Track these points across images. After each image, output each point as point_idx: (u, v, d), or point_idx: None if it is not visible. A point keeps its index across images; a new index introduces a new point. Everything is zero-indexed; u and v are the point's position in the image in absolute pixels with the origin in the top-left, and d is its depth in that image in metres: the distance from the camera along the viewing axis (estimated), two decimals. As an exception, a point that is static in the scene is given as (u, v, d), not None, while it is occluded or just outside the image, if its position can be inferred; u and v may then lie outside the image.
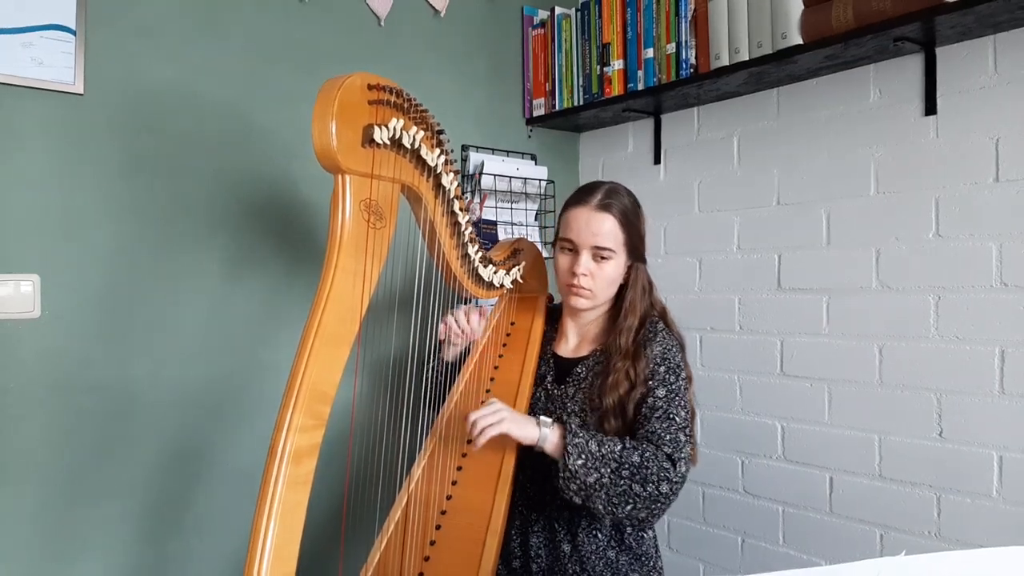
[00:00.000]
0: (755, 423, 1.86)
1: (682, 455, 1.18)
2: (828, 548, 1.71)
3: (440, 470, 1.25)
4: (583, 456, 1.13)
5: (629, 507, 1.14)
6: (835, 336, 1.70)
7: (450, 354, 1.40)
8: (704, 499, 1.98)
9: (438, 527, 1.18)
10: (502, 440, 1.27)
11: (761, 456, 1.85)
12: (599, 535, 1.26)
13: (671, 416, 1.21)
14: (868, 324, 1.64)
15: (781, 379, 1.81)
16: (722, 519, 1.93)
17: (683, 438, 1.20)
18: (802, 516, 1.76)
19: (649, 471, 1.14)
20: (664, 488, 1.15)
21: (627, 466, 1.13)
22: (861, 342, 1.65)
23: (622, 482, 1.13)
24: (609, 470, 1.13)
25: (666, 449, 1.17)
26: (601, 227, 1.27)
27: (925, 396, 1.55)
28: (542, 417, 1.18)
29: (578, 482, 1.13)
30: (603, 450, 1.14)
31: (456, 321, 1.35)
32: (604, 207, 1.27)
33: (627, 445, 1.16)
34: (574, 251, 1.30)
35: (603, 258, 1.28)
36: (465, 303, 1.39)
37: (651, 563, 1.30)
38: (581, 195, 1.31)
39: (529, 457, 1.36)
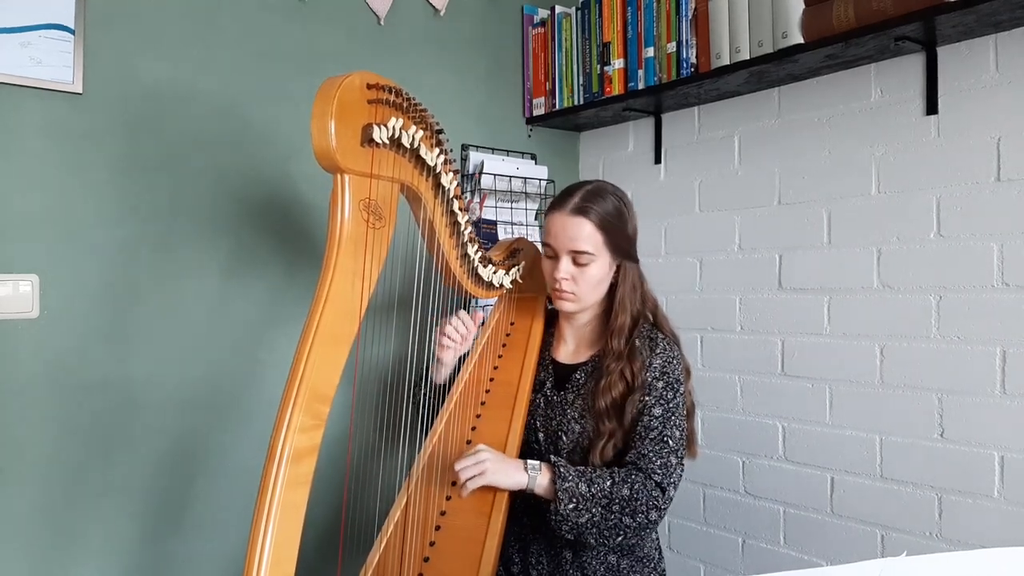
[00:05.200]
0: (756, 423, 1.86)
1: (671, 480, 1.19)
2: (829, 549, 1.70)
3: (439, 471, 1.25)
4: (574, 500, 1.14)
5: (620, 537, 1.16)
6: (836, 336, 1.70)
7: (441, 376, 1.38)
8: (705, 500, 1.97)
9: (437, 528, 1.18)
10: (501, 441, 1.27)
11: (762, 456, 1.84)
12: None
13: (664, 439, 1.20)
14: (869, 324, 1.64)
15: (782, 379, 1.80)
16: (723, 520, 1.93)
17: (674, 461, 1.20)
18: (803, 517, 1.75)
19: (639, 503, 1.15)
20: (653, 516, 1.16)
21: (617, 501, 1.14)
22: (862, 342, 1.65)
23: (612, 517, 1.14)
24: (600, 508, 1.14)
25: (656, 478, 1.18)
26: (578, 231, 1.25)
27: (926, 396, 1.55)
28: (529, 461, 1.18)
29: (569, 524, 1.14)
30: (593, 490, 1.15)
31: (456, 328, 1.33)
32: (580, 211, 1.26)
33: (616, 479, 1.16)
34: (555, 256, 1.29)
35: (583, 261, 1.26)
36: (465, 303, 1.39)
37: (652, 565, 1.29)
38: (560, 199, 1.30)
39: None
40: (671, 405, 1.23)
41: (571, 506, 1.13)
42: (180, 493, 1.53)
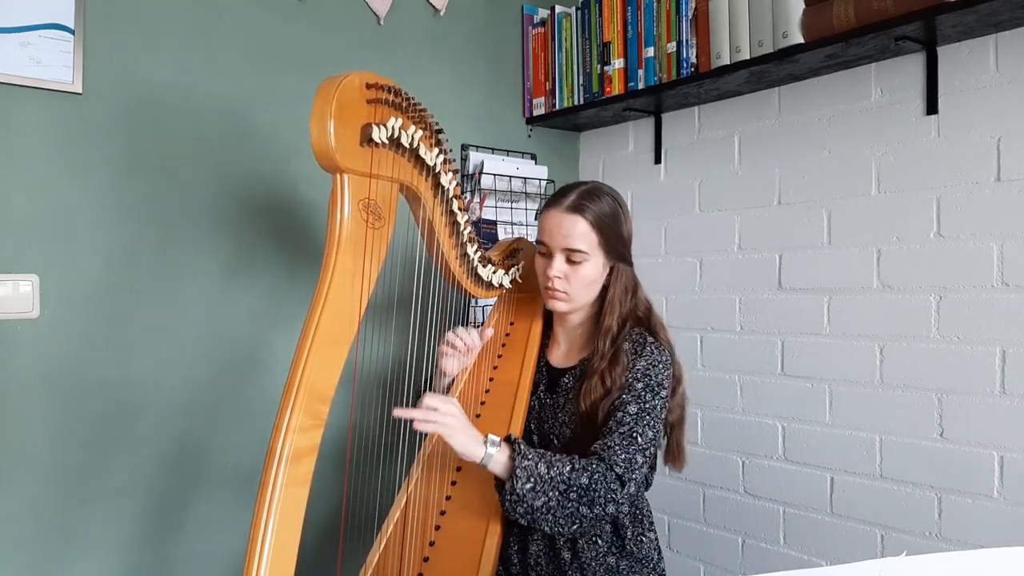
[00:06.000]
0: (756, 423, 1.86)
1: (633, 476, 1.15)
2: (829, 549, 1.70)
3: (439, 471, 1.25)
4: (532, 479, 1.10)
5: (575, 527, 1.12)
6: (836, 336, 1.70)
7: (442, 385, 1.36)
8: (704, 499, 1.97)
9: (437, 528, 1.18)
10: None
11: (762, 456, 1.84)
12: (599, 542, 1.25)
13: (634, 435, 1.17)
14: (869, 324, 1.64)
15: (782, 379, 1.80)
16: (723, 520, 1.93)
17: (639, 460, 1.16)
18: (803, 516, 1.75)
19: (597, 493, 1.11)
20: (610, 509, 1.13)
21: (575, 488, 1.11)
22: (862, 342, 1.65)
23: (570, 504, 1.10)
24: (557, 492, 1.10)
25: (617, 470, 1.14)
26: (572, 229, 1.25)
27: (926, 396, 1.55)
28: (491, 436, 1.14)
29: (525, 505, 1.10)
30: (552, 472, 1.11)
31: (460, 337, 1.30)
32: (575, 209, 1.25)
33: (576, 466, 1.13)
34: (548, 254, 1.28)
35: (576, 260, 1.25)
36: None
37: (652, 565, 1.29)
38: (556, 197, 1.30)
39: None
40: (647, 406, 1.20)
41: (528, 485, 1.09)
42: (180, 493, 1.53)
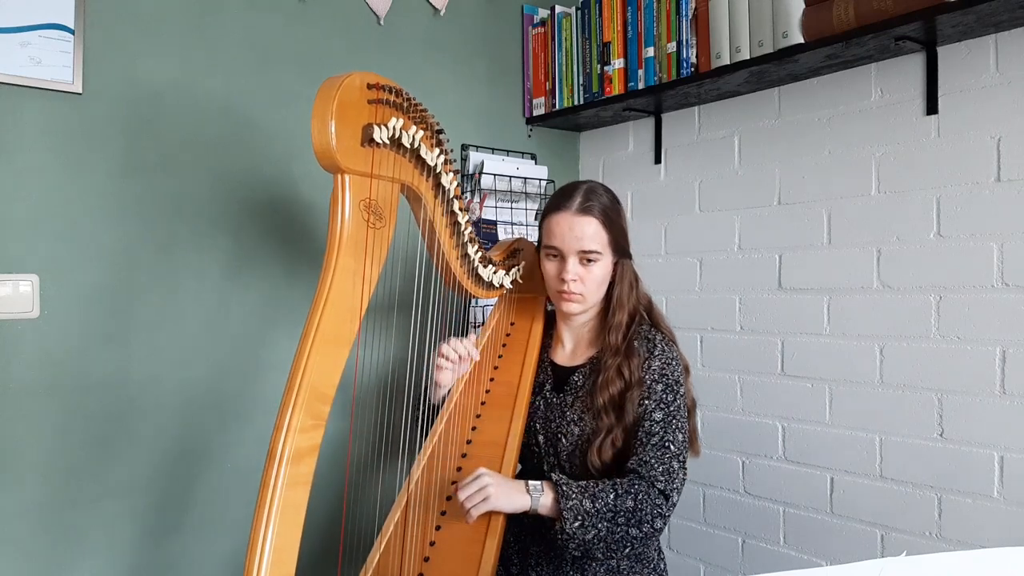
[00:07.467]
0: (756, 423, 1.86)
1: (674, 486, 1.17)
2: (829, 548, 1.70)
3: (439, 471, 1.25)
4: (579, 518, 1.11)
5: (627, 549, 1.15)
6: (836, 336, 1.70)
7: (439, 395, 1.35)
8: (704, 499, 1.97)
9: (437, 528, 1.18)
10: (501, 441, 1.27)
11: (762, 456, 1.84)
12: None
13: (666, 444, 1.19)
14: (869, 324, 1.64)
15: (782, 379, 1.80)
16: (723, 519, 1.93)
17: (676, 467, 1.18)
18: (803, 516, 1.75)
19: (644, 512, 1.13)
20: (659, 524, 1.15)
21: (622, 513, 1.13)
22: (862, 342, 1.65)
23: (618, 529, 1.12)
24: (605, 522, 1.12)
25: (659, 485, 1.16)
26: (585, 231, 1.25)
27: (926, 396, 1.55)
28: (531, 483, 1.15)
29: (576, 541, 1.12)
30: (597, 505, 1.12)
31: (454, 348, 1.30)
32: (585, 210, 1.25)
33: (620, 491, 1.14)
34: (560, 257, 1.29)
35: (590, 261, 1.26)
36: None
37: (652, 565, 1.29)
38: (560, 200, 1.30)
39: (529, 464, 1.35)
40: (672, 408, 1.22)
41: (576, 524, 1.11)
42: (180, 493, 1.53)
